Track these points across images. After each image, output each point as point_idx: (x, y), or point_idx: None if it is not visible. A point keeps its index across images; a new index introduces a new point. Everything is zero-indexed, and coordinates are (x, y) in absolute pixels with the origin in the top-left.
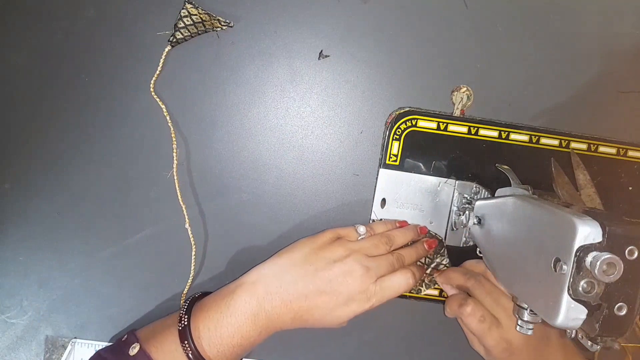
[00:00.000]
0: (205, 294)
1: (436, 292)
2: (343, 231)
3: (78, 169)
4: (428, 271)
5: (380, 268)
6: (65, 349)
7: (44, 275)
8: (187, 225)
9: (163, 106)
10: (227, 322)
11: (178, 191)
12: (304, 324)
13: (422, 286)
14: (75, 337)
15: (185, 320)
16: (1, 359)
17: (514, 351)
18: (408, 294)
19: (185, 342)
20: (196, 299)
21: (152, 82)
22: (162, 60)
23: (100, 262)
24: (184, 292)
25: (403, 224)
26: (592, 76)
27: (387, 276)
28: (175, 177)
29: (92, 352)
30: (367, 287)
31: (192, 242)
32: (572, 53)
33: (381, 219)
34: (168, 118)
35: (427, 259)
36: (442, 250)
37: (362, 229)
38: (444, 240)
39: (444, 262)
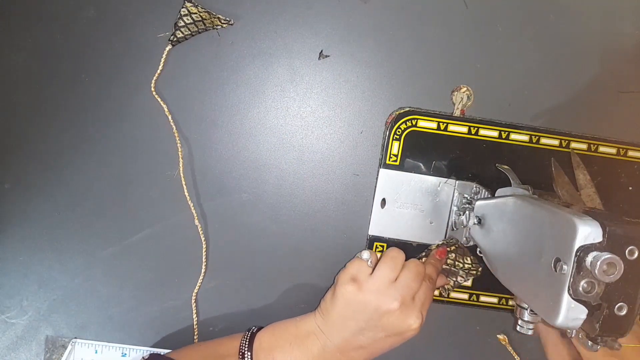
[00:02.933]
0: (259, 329)
1: (436, 293)
2: (353, 269)
3: (78, 168)
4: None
5: (411, 287)
6: (65, 349)
7: (44, 275)
8: (196, 222)
9: (164, 105)
10: None
11: (185, 190)
12: None
13: (451, 291)
14: (75, 337)
15: (249, 357)
16: (1, 359)
17: None
18: (437, 297)
19: None
20: (254, 335)
21: (152, 81)
22: (162, 60)
23: (100, 262)
24: (195, 291)
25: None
26: (592, 76)
27: (420, 292)
28: (182, 176)
29: (92, 352)
30: (409, 312)
31: (202, 239)
32: (572, 53)
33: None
34: (170, 117)
35: (456, 263)
36: (463, 253)
37: (365, 255)
38: (459, 244)
39: (473, 266)
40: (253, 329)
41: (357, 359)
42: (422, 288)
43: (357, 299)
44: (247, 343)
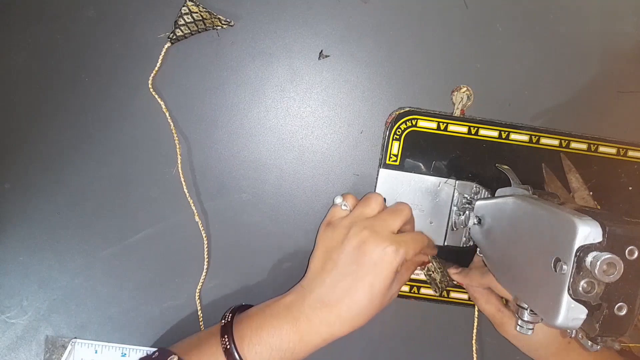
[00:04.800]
0: (248, 306)
1: (433, 292)
2: (329, 216)
3: (78, 168)
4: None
5: (387, 222)
6: (65, 349)
7: (44, 275)
8: (196, 219)
9: (162, 103)
10: (269, 324)
11: (184, 186)
12: (358, 321)
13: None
14: (75, 337)
15: (229, 317)
16: (1, 359)
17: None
18: (435, 297)
19: (225, 336)
20: (243, 306)
21: (150, 78)
22: (161, 57)
23: (100, 262)
24: (199, 288)
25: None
26: (592, 76)
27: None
28: (180, 172)
29: (92, 352)
30: (380, 240)
31: (203, 235)
32: (572, 53)
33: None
34: (167, 115)
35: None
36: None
37: (338, 199)
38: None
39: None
40: (242, 303)
41: (342, 311)
42: (405, 229)
43: (331, 236)
44: (231, 309)
